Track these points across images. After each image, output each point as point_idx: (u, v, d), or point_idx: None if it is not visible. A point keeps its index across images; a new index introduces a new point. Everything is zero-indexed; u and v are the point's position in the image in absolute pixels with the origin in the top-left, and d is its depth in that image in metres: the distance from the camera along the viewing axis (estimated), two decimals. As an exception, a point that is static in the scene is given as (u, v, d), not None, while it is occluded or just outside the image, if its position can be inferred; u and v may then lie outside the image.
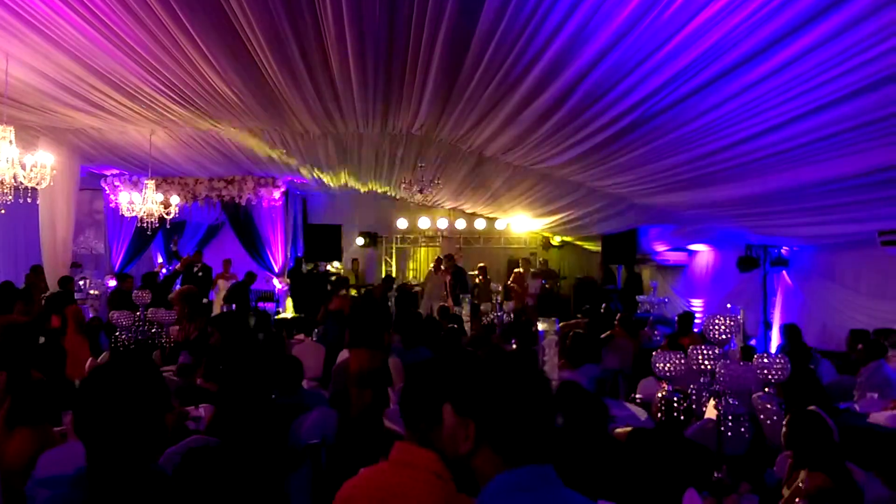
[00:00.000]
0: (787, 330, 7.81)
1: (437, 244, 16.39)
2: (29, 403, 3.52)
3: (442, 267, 13.75)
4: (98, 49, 5.84)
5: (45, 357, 4.74)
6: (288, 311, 13.85)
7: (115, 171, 13.00)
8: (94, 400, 1.63)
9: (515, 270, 15.12)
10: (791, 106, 4.72)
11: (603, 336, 8.15)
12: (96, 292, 12.18)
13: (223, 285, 13.11)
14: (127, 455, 1.60)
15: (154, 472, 1.64)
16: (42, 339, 5.55)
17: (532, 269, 15.35)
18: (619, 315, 8.87)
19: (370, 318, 4.13)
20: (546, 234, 16.41)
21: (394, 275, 16.07)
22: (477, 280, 14.73)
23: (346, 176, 13.18)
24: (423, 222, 16.01)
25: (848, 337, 7.22)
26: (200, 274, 12.77)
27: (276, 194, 13.59)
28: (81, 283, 12.67)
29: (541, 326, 6.15)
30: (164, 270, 14.07)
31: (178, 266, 13.01)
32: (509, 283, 14.37)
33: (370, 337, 4.20)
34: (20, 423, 3.45)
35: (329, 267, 15.20)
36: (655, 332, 9.99)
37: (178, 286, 11.87)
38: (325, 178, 13.37)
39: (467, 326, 10.88)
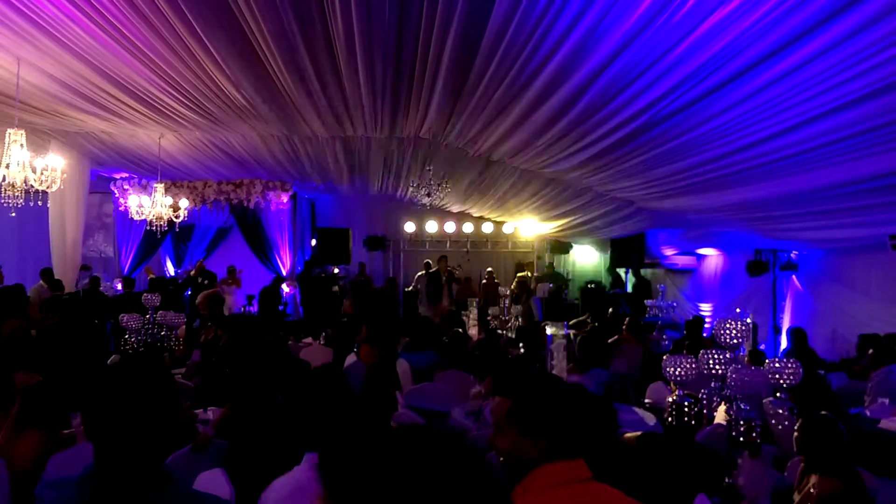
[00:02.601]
0: (792, 334, 7.79)
1: (447, 248, 16.40)
2: (38, 406, 3.52)
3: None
4: (109, 53, 5.87)
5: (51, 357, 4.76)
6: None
7: (125, 175, 13.07)
8: (104, 400, 1.63)
9: (519, 275, 15.15)
10: (801, 109, 4.70)
11: (611, 340, 8.13)
12: (105, 295, 12.23)
13: (228, 291, 13.16)
14: (135, 455, 1.60)
15: (161, 472, 1.64)
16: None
17: (537, 274, 15.40)
18: (627, 319, 8.85)
19: (380, 317, 4.19)
20: (554, 238, 16.38)
21: (402, 278, 16.13)
22: (483, 282, 14.90)
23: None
24: (431, 226, 16.02)
25: (858, 342, 7.17)
26: (206, 282, 12.82)
27: (285, 198, 13.62)
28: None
29: (549, 330, 6.14)
30: (177, 271, 14.24)
31: (189, 273, 13.07)
32: (512, 286, 14.38)
33: (378, 335, 4.30)
34: (29, 425, 3.46)
35: (336, 270, 15.25)
36: (664, 337, 9.96)
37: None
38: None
39: (474, 331, 10.89)
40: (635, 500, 1.83)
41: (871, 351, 6.59)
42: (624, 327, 8.61)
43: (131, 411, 1.61)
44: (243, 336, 5.02)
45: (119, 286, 12.85)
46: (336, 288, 14.10)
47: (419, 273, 15.07)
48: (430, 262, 15.08)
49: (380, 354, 4.77)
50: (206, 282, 12.82)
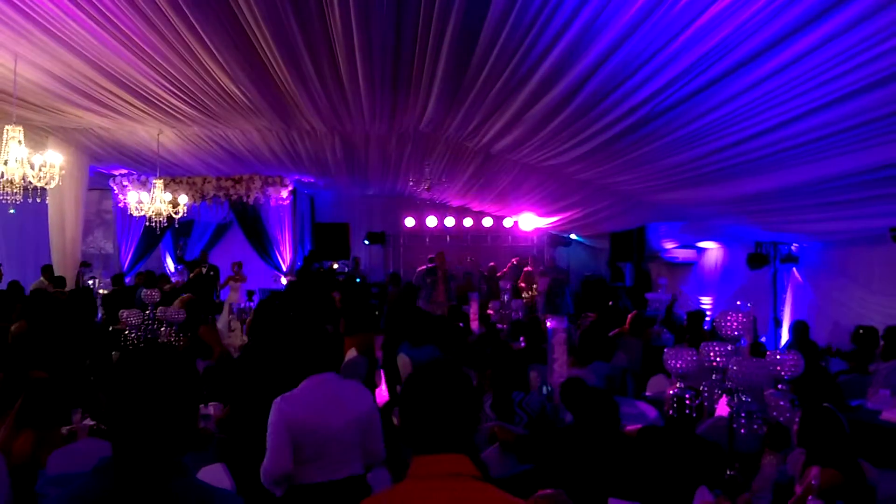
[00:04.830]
0: (795, 327, 7.78)
1: (447, 243, 16.35)
2: (35, 405, 3.52)
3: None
4: (106, 49, 5.86)
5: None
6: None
7: (124, 171, 13.04)
8: (131, 388, 1.60)
9: (526, 269, 15.09)
10: (801, 101, 4.68)
11: (612, 334, 8.12)
12: (105, 292, 12.22)
13: (234, 287, 13.14)
14: (156, 447, 1.58)
15: (179, 465, 1.62)
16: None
17: (540, 268, 15.34)
18: (632, 313, 8.83)
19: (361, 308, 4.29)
20: (554, 232, 16.36)
21: (402, 273, 16.09)
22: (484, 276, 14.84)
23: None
24: (431, 221, 16.01)
25: (853, 333, 7.15)
26: (212, 273, 12.80)
27: (284, 193, 13.60)
28: (91, 282, 12.72)
29: (549, 324, 6.12)
30: (177, 267, 14.22)
31: (190, 275, 13.01)
32: (519, 282, 14.34)
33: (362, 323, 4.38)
34: (26, 424, 3.46)
35: (335, 265, 15.22)
36: (664, 330, 9.94)
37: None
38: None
39: (475, 325, 10.87)
40: (518, 499, 1.70)
41: (882, 342, 6.59)
42: (627, 320, 8.60)
43: (157, 400, 1.59)
44: (267, 321, 4.93)
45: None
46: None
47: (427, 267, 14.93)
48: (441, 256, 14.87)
49: (359, 343, 4.78)
50: (212, 273, 12.81)
